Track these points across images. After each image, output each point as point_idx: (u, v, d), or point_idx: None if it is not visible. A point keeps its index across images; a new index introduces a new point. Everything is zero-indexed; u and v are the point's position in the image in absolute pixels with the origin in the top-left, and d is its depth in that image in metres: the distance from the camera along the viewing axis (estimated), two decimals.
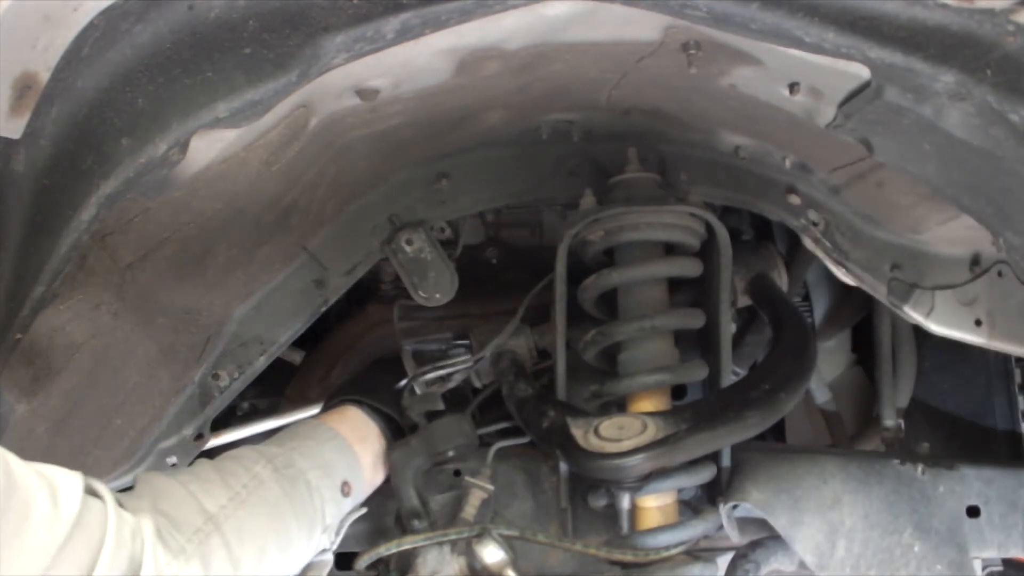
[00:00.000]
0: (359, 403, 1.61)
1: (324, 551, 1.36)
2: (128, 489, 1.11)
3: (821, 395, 2.17)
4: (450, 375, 1.79)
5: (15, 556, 0.78)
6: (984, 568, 1.69)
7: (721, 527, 1.67)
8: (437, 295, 1.69)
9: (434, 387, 1.76)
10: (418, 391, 1.75)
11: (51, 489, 0.84)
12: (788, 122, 1.31)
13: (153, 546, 0.95)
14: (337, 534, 1.39)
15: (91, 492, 0.92)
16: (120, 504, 0.96)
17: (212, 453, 1.39)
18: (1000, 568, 1.73)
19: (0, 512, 0.77)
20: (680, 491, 1.66)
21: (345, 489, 1.40)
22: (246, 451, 1.32)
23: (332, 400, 1.66)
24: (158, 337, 1.47)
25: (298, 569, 1.30)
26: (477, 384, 1.80)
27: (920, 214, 1.57)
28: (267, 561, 1.18)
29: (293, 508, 1.26)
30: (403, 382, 1.75)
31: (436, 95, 1.31)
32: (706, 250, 1.66)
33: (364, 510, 1.49)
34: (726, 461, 1.66)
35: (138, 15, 0.91)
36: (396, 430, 1.63)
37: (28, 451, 1.26)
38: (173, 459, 1.62)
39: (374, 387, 1.69)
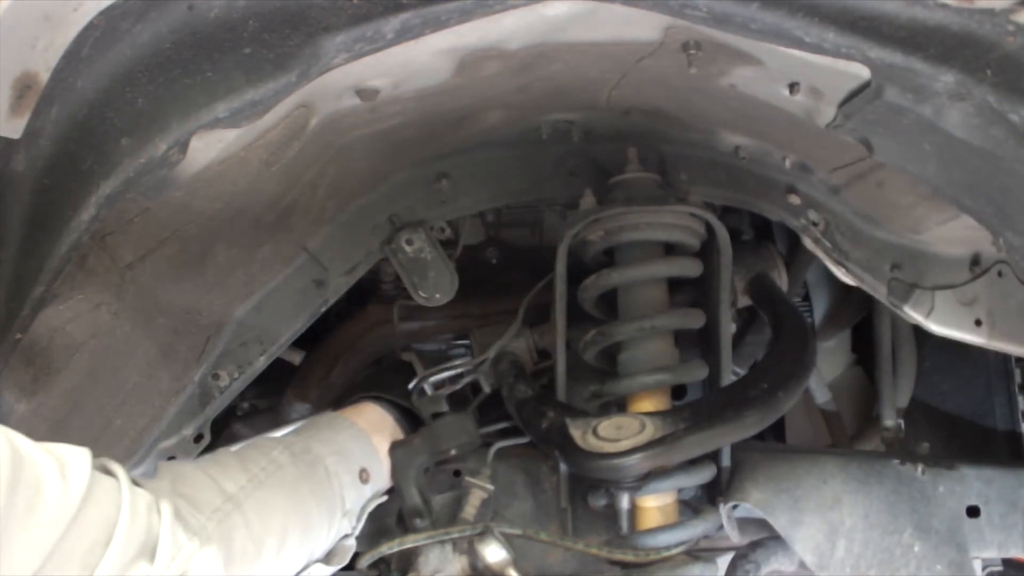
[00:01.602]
0: (376, 399, 1.63)
1: (346, 536, 1.37)
2: None
3: (821, 395, 2.17)
4: (459, 377, 1.79)
5: (28, 528, 0.79)
6: (984, 568, 1.69)
7: (721, 527, 1.67)
8: (437, 295, 1.69)
9: (442, 388, 1.76)
10: (428, 391, 1.76)
11: (59, 463, 0.84)
12: (788, 122, 1.31)
13: (172, 524, 0.96)
14: (358, 520, 1.40)
15: (104, 470, 0.93)
16: (136, 483, 0.96)
17: None
18: (1000, 568, 1.73)
19: (10, 486, 0.77)
20: (680, 491, 1.66)
21: (363, 476, 1.42)
22: (264, 439, 1.35)
23: (347, 399, 1.67)
24: (158, 337, 1.47)
25: (321, 553, 1.31)
26: (486, 388, 1.80)
27: (920, 214, 1.57)
28: (289, 542, 1.19)
29: (312, 491, 1.28)
30: (413, 383, 1.76)
31: (436, 95, 1.31)
32: (706, 250, 1.66)
33: (385, 498, 1.50)
34: (726, 461, 1.66)
35: (138, 15, 0.91)
36: (414, 423, 1.65)
37: None
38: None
39: (388, 384, 1.71)
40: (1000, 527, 1.65)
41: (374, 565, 1.57)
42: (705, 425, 1.43)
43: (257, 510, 1.14)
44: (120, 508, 0.89)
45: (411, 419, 1.65)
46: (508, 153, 1.70)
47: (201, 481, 1.11)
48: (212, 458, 1.23)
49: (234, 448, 1.32)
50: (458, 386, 1.78)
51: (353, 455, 1.43)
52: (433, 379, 1.78)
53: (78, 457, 0.87)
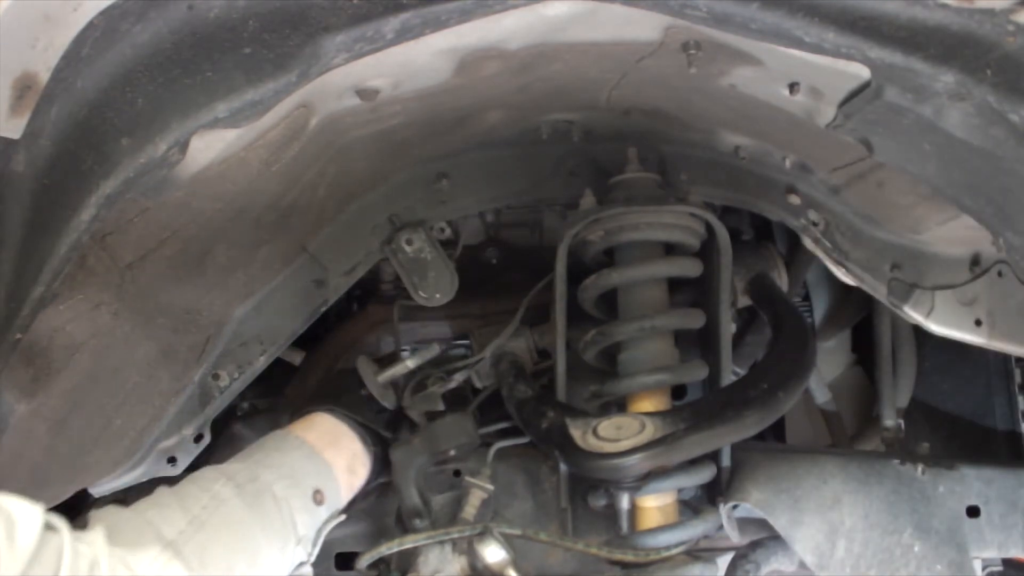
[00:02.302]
0: (329, 410, 1.56)
1: (302, 564, 1.32)
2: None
3: (821, 395, 2.17)
4: (452, 376, 1.78)
5: None
6: (984, 568, 1.69)
7: (721, 527, 1.67)
8: (437, 295, 1.69)
9: (435, 387, 1.76)
10: (377, 397, 1.69)
11: (8, 523, 0.81)
12: (788, 122, 1.31)
13: None
14: (314, 545, 1.35)
15: (48, 525, 0.88)
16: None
17: None
18: (1000, 568, 1.73)
19: None
20: (680, 491, 1.66)
21: (317, 497, 1.36)
22: (206, 471, 1.28)
23: (298, 413, 1.59)
24: (158, 337, 1.47)
25: None
26: (477, 384, 1.80)
27: (920, 214, 1.57)
28: None
29: (260, 523, 1.23)
30: (365, 392, 1.69)
31: (436, 95, 1.31)
32: (706, 250, 1.66)
33: (342, 517, 1.43)
34: (726, 461, 1.66)
35: (138, 15, 0.91)
36: (371, 433, 1.59)
37: (28, 451, 1.26)
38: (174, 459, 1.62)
39: (341, 392, 1.64)
40: (1000, 527, 1.65)
41: (374, 565, 1.57)
42: (705, 425, 1.43)
43: (198, 554, 1.10)
44: (59, 568, 0.85)
45: (368, 428, 1.59)
46: (508, 153, 1.70)
47: (139, 528, 1.08)
48: (152, 499, 1.18)
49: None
50: (451, 384, 1.76)
51: (305, 476, 1.36)
52: (383, 377, 1.69)
53: (29, 517, 0.83)
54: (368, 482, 1.56)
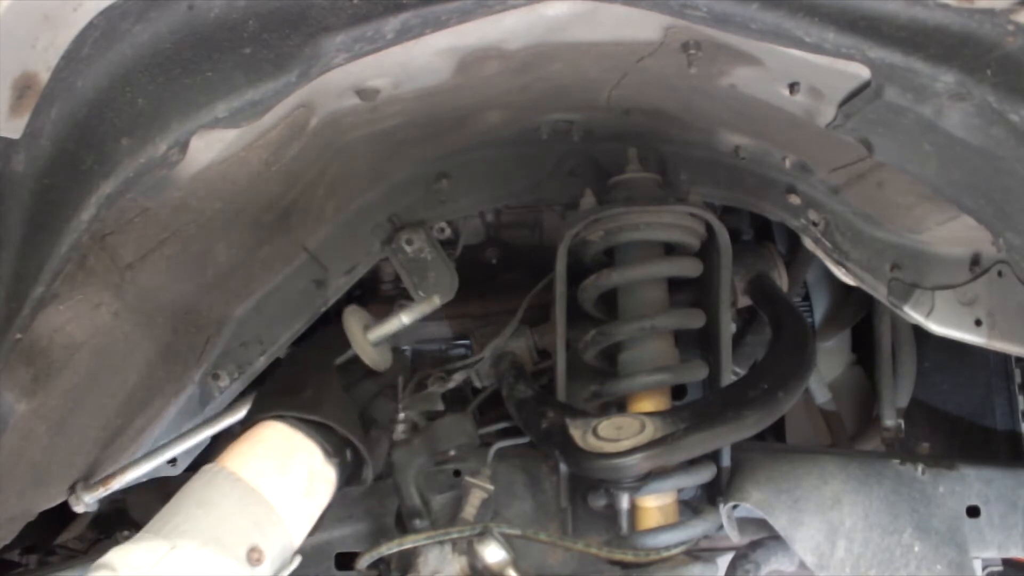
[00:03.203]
0: (278, 417, 1.33)
1: None
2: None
3: (821, 395, 2.17)
4: (452, 376, 1.78)
5: None
6: (984, 568, 1.69)
7: (721, 527, 1.67)
8: (437, 295, 1.69)
9: (435, 387, 1.75)
10: (364, 357, 1.51)
11: None
12: (788, 122, 1.31)
13: None
14: None
15: None
16: None
17: None
18: (1000, 568, 1.73)
19: None
20: (680, 491, 1.66)
21: (253, 556, 1.15)
22: (112, 558, 1.08)
23: (250, 420, 1.38)
24: (158, 337, 1.47)
25: None
26: (477, 384, 1.80)
27: (920, 214, 1.57)
28: None
29: None
30: (341, 358, 1.52)
31: (436, 95, 1.31)
32: (706, 250, 1.66)
33: (297, 562, 1.25)
34: (726, 461, 1.66)
35: (138, 15, 0.91)
36: (335, 434, 1.36)
37: (28, 451, 1.26)
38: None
39: (302, 386, 1.42)
40: (1000, 527, 1.65)
41: (374, 565, 1.57)
42: (705, 425, 1.43)
43: None
44: None
45: (332, 429, 1.36)
46: (508, 153, 1.70)
47: None
48: None
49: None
50: (451, 384, 1.75)
51: (235, 535, 1.15)
52: (376, 334, 1.54)
53: None
54: (339, 487, 1.37)
